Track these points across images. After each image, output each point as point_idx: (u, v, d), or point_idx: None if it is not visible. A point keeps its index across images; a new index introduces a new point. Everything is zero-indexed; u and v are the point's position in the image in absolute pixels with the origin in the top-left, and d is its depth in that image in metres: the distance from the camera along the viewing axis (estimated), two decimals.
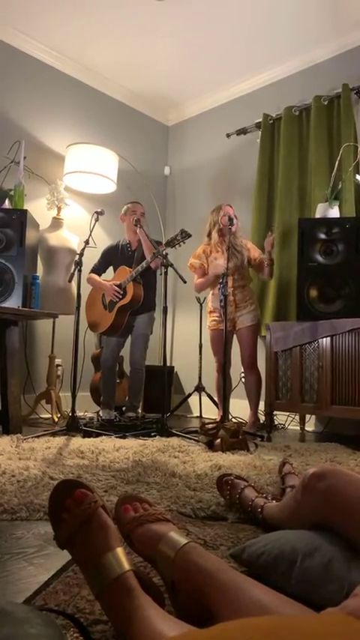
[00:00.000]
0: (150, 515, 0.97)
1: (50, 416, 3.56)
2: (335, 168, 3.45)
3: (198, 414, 4.19)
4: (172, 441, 2.65)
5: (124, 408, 3.62)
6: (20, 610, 0.69)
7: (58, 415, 3.55)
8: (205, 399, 4.03)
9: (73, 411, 2.99)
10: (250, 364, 3.48)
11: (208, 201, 4.47)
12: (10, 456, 2.13)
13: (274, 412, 3.39)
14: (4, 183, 3.44)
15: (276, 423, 3.57)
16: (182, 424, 3.67)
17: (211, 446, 2.57)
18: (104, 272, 3.72)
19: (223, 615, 0.73)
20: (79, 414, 3.13)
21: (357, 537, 0.93)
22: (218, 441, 2.54)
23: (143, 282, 3.50)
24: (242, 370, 3.62)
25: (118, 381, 3.76)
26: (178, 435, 2.90)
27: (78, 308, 3.13)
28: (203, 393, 4.01)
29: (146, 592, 0.77)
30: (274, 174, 4.02)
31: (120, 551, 0.81)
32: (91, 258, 3.56)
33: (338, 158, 3.47)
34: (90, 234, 3.23)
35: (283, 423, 3.66)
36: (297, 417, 3.63)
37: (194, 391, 4.05)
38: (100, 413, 3.56)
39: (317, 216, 3.37)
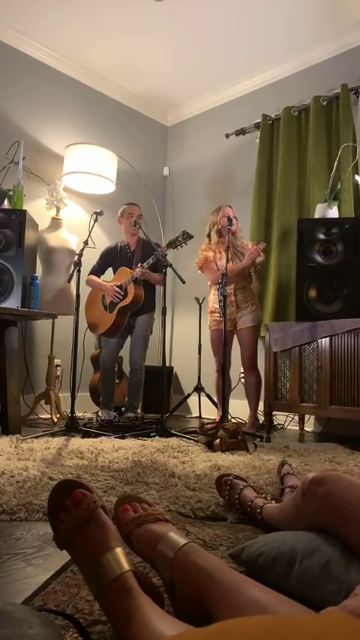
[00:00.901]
0: (149, 515, 0.97)
1: (49, 416, 3.56)
2: (334, 169, 3.45)
3: (197, 415, 4.19)
4: (172, 442, 2.65)
5: (123, 409, 3.61)
6: (19, 610, 0.69)
7: (58, 415, 3.55)
8: (204, 399, 4.03)
9: (72, 411, 2.99)
10: (250, 365, 3.48)
11: (207, 201, 4.47)
12: (10, 457, 2.13)
13: (274, 412, 3.39)
14: (3, 183, 3.44)
15: (275, 423, 3.57)
16: (181, 424, 3.67)
17: (210, 446, 2.57)
18: (103, 273, 3.72)
19: (222, 615, 0.73)
20: (78, 414, 3.13)
21: (356, 542, 0.93)
22: (217, 441, 2.54)
23: (143, 283, 3.50)
24: (242, 370, 3.62)
25: (117, 381, 3.76)
26: (177, 436, 2.90)
27: (77, 308, 3.13)
28: (202, 394, 4.01)
29: (145, 592, 0.77)
30: (273, 175, 4.02)
31: (119, 552, 0.81)
32: (90, 259, 3.56)
33: (337, 158, 3.47)
34: (89, 235, 3.23)
35: (283, 423, 3.66)
36: (296, 418, 3.63)
37: (193, 391, 4.05)
38: (100, 413, 3.55)
39: (316, 216, 3.37)
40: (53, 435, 2.83)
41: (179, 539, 0.88)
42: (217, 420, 3.24)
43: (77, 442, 2.54)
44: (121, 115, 4.62)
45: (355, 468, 2.11)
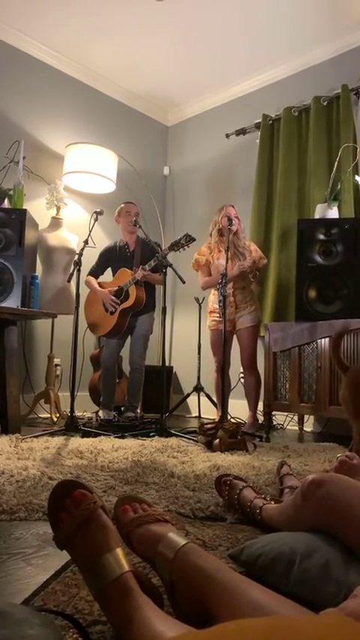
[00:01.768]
0: (149, 515, 0.97)
1: (49, 416, 3.56)
2: (334, 169, 3.45)
3: (197, 414, 4.20)
4: (171, 441, 2.66)
5: (122, 408, 3.62)
6: (19, 611, 0.69)
7: (57, 415, 3.55)
8: (204, 399, 4.03)
9: (71, 410, 2.99)
10: (249, 365, 3.48)
11: (207, 201, 4.47)
12: (9, 456, 2.13)
13: (273, 412, 3.39)
14: (4, 182, 3.44)
15: (275, 423, 3.57)
16: (181, 424, 3.67)
17: (209, 446, 2.57)
18: (102, 274, 3.72)
19: (222, 616, 0.73)
20: (77, 413, 3.13)
21: (355, 543, 0.93)
22: (217, 441, 2.54)
23: (144, 283, 3.50)
24: (241, 370, 3.62)
25: (117, 381, 3.76)
26: (176, 435, 2.90)
27: (77, 308, 3.13)
28: (202, 393, 4.01)
29: (145, 593, 0.77)
30: (273, 175, 4.03)
31: (119, 552, 0.81)
32: (90, 258, 3.56)
33: (337, 159, 3.47)
34: (89, 234, 3.23)
35: (282, 423, 3.67)
36: (295, 418, 3.64)
37: (193, 391, 4.05)
38: (99, 413, 3.56)
39: (316, 216, 3.37)
40: (53, 434, 2.83)
41: (179, 539, 0.88)
42: (216, 420, 3.24)
43: (77, 442, 2.54)
44: (121, 115, 4.62)
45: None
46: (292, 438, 3.23)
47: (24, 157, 3.46)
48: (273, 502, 1.33)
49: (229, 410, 3.36)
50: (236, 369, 3.72)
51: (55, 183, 3.77)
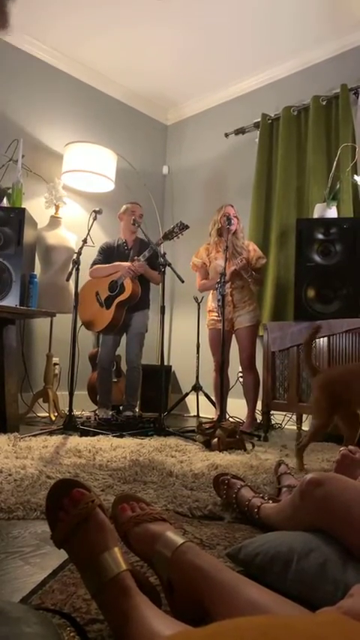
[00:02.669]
0: (147, 514, 0.97)
1: (47, 415, 3.56)
2: (333, 169, 3.45)
3: (195, 414, 4.20)
4: (170, 441, 2.66)
5: (121, 407, 3.61)
6: (16, 609, 0.69)
7: (56, 414, 3.55)
8: (202, 398, 4.03)
9: (70, 409, 2.99)
10: (248, 364, 3.48)
11: (206, 200, 4.47)
12: (7, 455, 2.13)
13: (272, 412, 3.39)
14: (2, 181, 3.44)
15: (273, 422, 3.57)
16: (179, 423, 3.67)
17: (208, 445, 2.57)
18: None
19: (219, 615, 0.74)
20: (76, 412, 3.13)
21: (353, 543, 0.94)
22: (215, 440, 2.54)
23: (140, 278, 3.51)
24: (240, 370, 3.62)
25: (115, 380, 3.76)
26: (175, 435, 2.90)
27: (76, 307, 3.13)
28: (201, 393, 4.01)
29: (143, 591, 0.77)
30: (272, 174, 4.03)
31: (117, 551, 0.81)
32: (89, 257, 3.56)
33: (336, 158, 3.47)
34: (88, 233, 3.23)
35: (280, 422, 3.67)
36: (294, 417, 3.64)
37: (191, 390, 4.05)
38: (98, 412, 3.56)
39: (315, 216, 3.37)
40: (51, 433, 2.82)
41: (177, 538, 0.88)
42: (215, 419, 3.24)
43: (75, 441, 2.54)
44: (120, 114, 4.62)
45: None
46: (291, 438, 3.24)
47: (23, 156, 3.46)
48: (271, 501, 1.33)
49: (228, 409, 3.36)
50: (235, 369, 3.72)
51: (54, 182, 3.77)
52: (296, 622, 0.49)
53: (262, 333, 3.51)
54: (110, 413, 3.52)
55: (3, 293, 3.00)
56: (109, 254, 3.68)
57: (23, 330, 3.77)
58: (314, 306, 3.12)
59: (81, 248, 3.17)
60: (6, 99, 3.80)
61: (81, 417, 3.39)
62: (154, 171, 4.90)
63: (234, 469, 2.00)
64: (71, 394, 3.01)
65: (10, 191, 3.30)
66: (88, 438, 2.69)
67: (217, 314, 3.50)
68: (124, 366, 3.82)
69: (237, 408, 3.69)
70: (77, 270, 3.12)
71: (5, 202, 3.26)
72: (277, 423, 3.66)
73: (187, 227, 3.18)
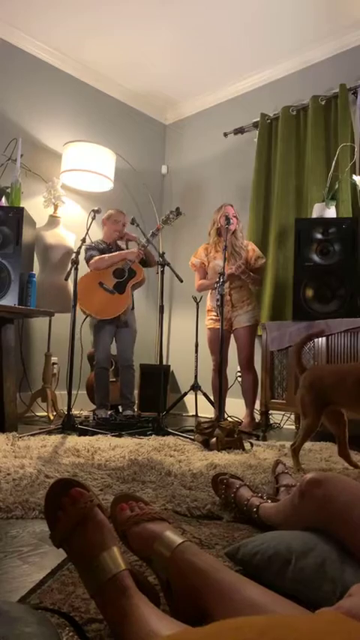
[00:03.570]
0: (146, 514, 0.97)
1: (46, 414, 3.56)
2: (332, 169, 3.45)
3: (194, 413, 4.19)
4: (168, 440, 2.66)
5: (120, 407, 3.61)
6: (15, 609, 0.69)
7: (54, 413, 3.55)
8: (201, 397, 4.03)
9: (69, 409, 2.99)
10: (246, 364, 3.49)
11: (205, 200, 4.47)
12: (6, 454, 2.13)
13: (270, 411, 3.40)
14: (1, 180, 3.44)
15: (271, 422, 3.58)
16: (178, 423, 3.67)
17: (206, 445, 2.57)
18: None
19: (218, 614, 0.74)
20: (74, 412, 3.13)
21: (353, 543, 0.94)
22: (214, 440, 2.54)
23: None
24: (239, 369, 3.62)
25: (113, 379, 3.75)
26: (173, 434, 2.90)
27: (74, 306, 3.12)
28: (199, 392, 4.01)
29: (142, 591, 0.77)
30: (271, 174, 4.03)
31: (116, 551, 0.81)
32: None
33: (335, 158, 3.48)
34: (87, 233, 3.23)
35: (279, 422, 3.67)
36: (292, 417, 3.64)
37: (190, 390, 4.05)
38: (96, 411, 3.55)
39: (314, 216, 3.37)
40: (50, 432, 2.82)
41: (176, 538, 0.88)
42: (213, 418, 3.24)
43: (74, 440, 2.54)
44: (119, 113, 4.61)
45: (350, 467, 2.12)
46: (289, 437, 3.23)
47: (21, 155, 3.46)
48: (269, 501, 1.33)
49: (226, 409, 3.36)
50: (234, 368, 3.72)
51: (53, 182, 3.77)
52: (296, 621, 0.49)
53: (260, 332, 3.51)
54: (109, 412, 3.52)
55: (1, 292, 3.00)
56: (101, 251, 3.68)
57: (22, 330, 3.76)
58: (313, 306, 3.12)
59: (80, 247, 3.17)
60: (5, 98, 3.79)
61: (79, 417, 3.39)
62: (153, 170, 4.90)
63: (232, 469, 2.00)
64: (70, 393, 3.01)
65: (8, 190, 3.29)
66: (87, 437, 2.69)
67: (215, 314, 3.50)
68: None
69: (235, 407, 3.69)
70: (76, 269, 3.12)
71: (4, 201, 3.25)
72: (276, 423, 3.67)
73: (181, 213, 3.34)
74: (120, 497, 1.05)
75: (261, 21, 3.62)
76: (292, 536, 1.02)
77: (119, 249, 3.72)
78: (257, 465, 2.10)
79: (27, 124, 3.92)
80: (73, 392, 3.07)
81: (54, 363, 3.79)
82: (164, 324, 4.23)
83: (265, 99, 4.17)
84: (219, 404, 3.21)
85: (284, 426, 3.66)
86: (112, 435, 2.78)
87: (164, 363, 4.52)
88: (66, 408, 3.02)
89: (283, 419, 3.67)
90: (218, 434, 2.55)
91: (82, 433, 2.82)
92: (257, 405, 3.45)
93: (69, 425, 2.91)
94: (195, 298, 4.12)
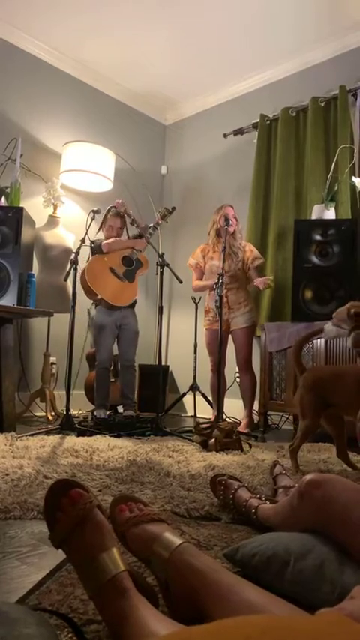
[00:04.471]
0: (145, 515, 0.97)
1: (45, 414, 3.55)
2: (331, 170, 3.46)
3: (192, 414, 4.20)
4: (167, 441, 2.66)
5: (122, 407, 3.61)
6: (13, 610, 0.69)
7: (53, 414, 3.54)
8: (199, 398, 4.04)
9: (67, 409, 2.98)
10: (244, 365, 3.48)
11: (205, 200, 4.47)
12: (4, 455, 2.13)
13: (269, 412, 3.40)
14: (1, 180, 3.43)
15: (270, 423, 3.58)
16: (177, 424, 3.67)
17: (205, 446, 2.57)
18: None
19: (216, 615, 0.74)
20: (73, 412, 3.12)
21: (352, 544, 0.94)
22: (212, 440, 2.54)
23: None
24: (237, 370, 3.62)
25: (113, 380, 3.75)
26: (172, 435, 2.90)
27: (73, 306, 3.12)
28: (198, 393, 4.01)
29: (140, 592, 0.77)
30: (270, 175, 4.03)
31: (115, 552, 0.81)
32: (87, 257, 3.55)
33: (335, 160, 3.48)
34: (86, 233, 3.22)
35: (277, 423, 3.67)
36: (291, 417, 3.64)
37: (189, 391, 4.05)
38: (95, 412, 3.55)
39: (313, 217, 3.38)
40: (48, 433, 2.82)
41: (174, 539, 0.88)
42: (212, 419, 3.24)
43: (72, 440, 2.54)
44: (119, 113, 4.61)
45: (348, 469, 2.12)
46: (288, 438, 3.24)
47: (21, 155, 3.46)
48: (268, 502, 1.33)
49: (225, 409, 3.37)
50: (232, 369, 3.73)
51: (52, 182, 3.76)
52: (299, 622, 0.49)
53: (259, 333, 3.51)
54: (107, 413, 3.52)
55: (0, 292, 2.99)
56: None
57: (21, 330, 3.76)
58: (312, 307, 3.12)
59: (79, 248, 3.16)
60: (5, 98, 3.79)
61: (78, 417, 3.38)
62: (153, 171, 4.90)
63: (231, 470, 2.00)
64: (68, 394, 3.01)
65: (8, 190, 3.29)
66: (86, 437, 2.69)
67: (213, 314, 3.50)
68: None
69: (234, 408, 3.69)
70: (75, 269, 3.11)
71: (3, 201, 3.25)
72: (274, 424, 3.67)
73: (173, 210, 3.52)
74: (119, 499, 1.05)
75: (261, 22, 3.62)
76: (291, 537, 1.02)
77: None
78: (256, 465, 2.10)
79: (27, 124, 3.92)
80: (72, 392, 3.07)
81: (53, 363, 3.79)
82: (163, 325, 4.23)
83: (264, 100, 4.18)
84: (217, 405, 3.21)
85: (283, 427, 3.66)
86: (111, 436, 2.78)
87: (163, 363, 4.52)
88: (64, 408, 3.02)
89: (281, 420, 3.67)
90: (217, 435, 2.55)
91: (81, 433, 2.82)
92: (256, 406, 3.45)
93: (68, 425, 2.91)
94: (194, 299, 4.12)
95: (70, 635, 0.78)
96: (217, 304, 3.13)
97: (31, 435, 2.69)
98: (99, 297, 3.42)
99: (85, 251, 3.27)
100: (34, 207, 3.75)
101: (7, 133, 3.67)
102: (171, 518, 1.39)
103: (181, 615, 0.79)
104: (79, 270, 3.23)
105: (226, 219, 3.38)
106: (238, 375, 3.62)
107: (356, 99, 3.62)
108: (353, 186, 3.46)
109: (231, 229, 3.45)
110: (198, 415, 4.15)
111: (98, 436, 2.75)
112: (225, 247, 3.28)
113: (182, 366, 4.43)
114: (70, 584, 0.96)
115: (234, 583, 0.79)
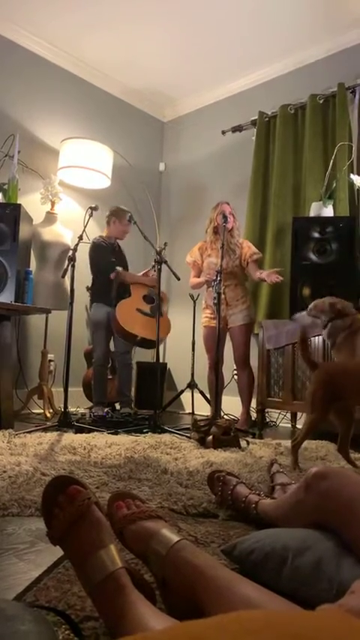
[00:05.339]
0: (142, 512, 0.97)
1: (42, 411, 3.55)
2: (330, 167, 3.46)
3: (190, 411, 4.20)
4: (164, 438, 2.66)
5: (120, 404, 3.61)
6: (11, 607, 0.69)
7: (50, 411, 3.54)
8: (197, 395, 4.04)
9: (65, 406, 2.98)
10: (242, 363, 3.48)
11: (203, 197, 4.47)
12: (2, 452, 2.13)
13: (266, 410, 3.40)
14: None
15: (267, 420, 3.58)
16: (174, 421, 3.68)
17: (202, 443, 2.57)
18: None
19: (214, 612, 0.74)
20: (71, 409, 3.12)
21: (354, 538, 0.94)
22: (210, 438, 2.54)
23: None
24: (235, 368, 3.62)
25: (110, 377, 3.75)
26: (170, 432, 2.90)
27: (71, 303, 3.11)
28: (196, 390, 4.01)
29: (138, 589, 0.77)
30: (268, 172, 4.02)
31: (113, 548, 0.81)
32: (84, 254, 3.55)
33: (333, 157, 3.48)
34: (84, 230, 3.21)
35: (275, 420, 3.68)
36: (288, 415, 3.65)
37: (187, 388, 4.06)
38: (93, 409, 3.55)
39: (311, 214, 3.38)
40: (46, 430, 2.82)
41: (172, 536, 0.88)
42: (209, 416, 3.24)
43: (70, 438, 2.54)
44: (117, 110, 4.60)
45: (346, 466, 2.13)
46: (285, 435, 3.24)
47: (19, 152, 3.44)
48: (267, 498, 1.33)
49: (223, 407, 3.37)
50: (230, 366, 3.73)
51: (50, 178, 3.75)
52: (300, 617, 0.49)
53: (257, 331, 3.51)
54: (105, 410, 3.52)
55: None
56: (109, 251, 3.69)
57: (18, 327, 3.75)
58: (310, 305, 3.12)
59: (77, 245, 3.15)
60: (2, 94, 3.77)
61: (76, 414, 3.38)
62: (151, 167, 4.89)
63: (228, 466, 2.01)
64: (66, 391, 3.01)
65: (5, 187, 3.28)
66: (83, 434, 2.69)
67: (210, 311, 3.50)
68: None
69: (232, 405, 3.69)
70: (73, 266, 3.11)
71: (1, 198, 3.24)
72: (272, 421, 3.67)
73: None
74: (116, 495, 1.05)
75: (259, 19, 3.61)
76: (289, 534, 1.02)
77: (120, 248, 3.78)
78: (253, 463, 2.11)
79: (24, 121, 3.90)
80: (70, 389, 3.07)
81: (50, 360, 3.78)
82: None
83: (263, 97, 4.17)
84: (215, 402, 3.21)
85: (280, 424, 3.67)
86: (109, 433, 2.78)
87: (161, 360, 4.52)
88: (62, 405, 3.01)
89: (279, 417, 3.67)
90: (214, 432, 2.55)
91: (79, 430, 2.82)
92: (253, 403, 3.45)
93: (65, 422, 2.91)
94: (192, 296, 4.12)
95: (67, 632, 0.78)
96: (215, 301, 3.13)
97: (29, 432, 2.69)
98: (139, 337, 3.45)
99: (83, 248, 3.26)
100: (32, 203, 3.73)
101: (5, 129, 3.65)
102: (168, 515, 1.39)
103: (179, 612, 0.79)
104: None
105: (224, 216, 3.38)
106: (235, 372, 3.62)
107: (355, 96, 3.61)
108: (351, 184, 3.45)
109: (229, 226, 3.44)
110: (196, 412, 4.16)
111: (96, 433, 2.75)
112: (223, 244, 3.27)
113: (180, 363, 4.43)
114: (67, 581, 0.96)
115: (231, 580, 0.79)
